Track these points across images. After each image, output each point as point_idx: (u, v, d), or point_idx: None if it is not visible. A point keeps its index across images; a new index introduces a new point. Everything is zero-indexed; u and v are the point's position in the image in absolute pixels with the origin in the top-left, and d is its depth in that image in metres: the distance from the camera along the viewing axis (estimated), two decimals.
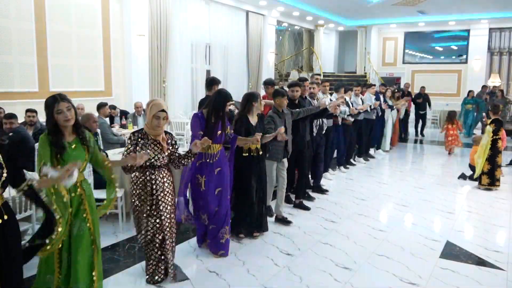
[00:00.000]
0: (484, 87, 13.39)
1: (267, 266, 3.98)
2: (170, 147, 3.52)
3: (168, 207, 3.51)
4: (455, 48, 16.35)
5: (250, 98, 4.44)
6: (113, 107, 8.06)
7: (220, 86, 5.93)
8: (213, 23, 11.17)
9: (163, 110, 3.34)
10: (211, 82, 5.79)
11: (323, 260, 4.14)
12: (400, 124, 11.15)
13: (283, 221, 5.14)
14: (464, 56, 15.65)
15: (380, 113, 9.13)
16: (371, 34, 16.66)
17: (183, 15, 10.13)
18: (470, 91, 13.10)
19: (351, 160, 8.52)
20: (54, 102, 2.75)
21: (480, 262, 4.14)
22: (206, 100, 5.82)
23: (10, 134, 5.28)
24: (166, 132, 3.52)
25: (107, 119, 7.37)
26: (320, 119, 6.31)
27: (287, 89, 5.69)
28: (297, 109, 5.34)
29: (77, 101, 7.69)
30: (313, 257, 4.21)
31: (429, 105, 12.87)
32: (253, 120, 4.46)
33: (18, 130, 5.38)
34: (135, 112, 8.29)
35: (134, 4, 8.83)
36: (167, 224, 3.49)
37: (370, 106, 8.48)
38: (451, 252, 4.37)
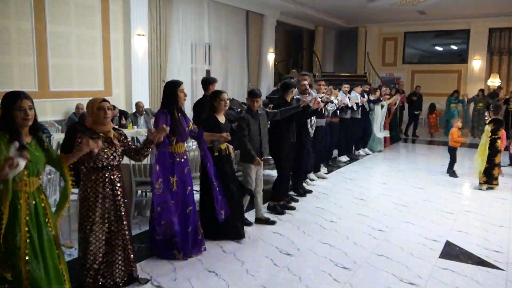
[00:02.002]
0: (480, 90, 13.33)
1: (267, 266, 3.98)
2: (122, 144, 3.38)
3: (124, 211, 3.38)
4: (455, 48, 16.34)
5: (211, 98, 4.45)
6: (113, 107, 8.06)
7: (218, 86, 5.96)
8: (213, 23, 11.17)
9: (104, 100, 3.26)
10: (207, 82, 5.83)
11: (323, 260, 4.13)
12: (394, 124, 11.17)
13: (266, 222, 5.05)
14: (464, 56, 15.64)
15: (367, 109, 9.27)
16: (371, 34, 16.64)
17: (182, 15, 10.12)
18: (455, 91, 13.32)
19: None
20: (16, 98, 2.56)
21: (480, 262, 4.14)
22: (202, 101, 5.86)
23: None
24: (114, 129, 3.39)
25: None
26: (313, 119, 6.23)
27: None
28: (274, 110, 5.24)
29: (76, 100, 7.73)
30: (312, 257, 4.21)
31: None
32: (222, 118, 4.43)
33: None
34: (136, 112, 8.29)
35: (134, 4, 8.82)
36: (126, 228, 3.38)
37: (357, 104, 8.58)
38: (451, 252, 4.37)
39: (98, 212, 3.23)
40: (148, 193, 5.33)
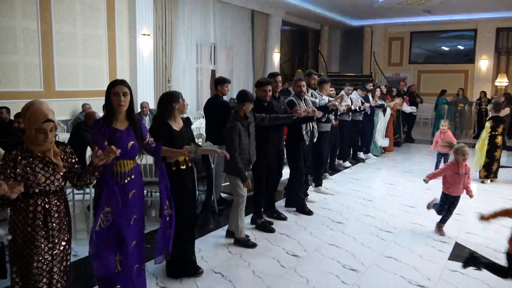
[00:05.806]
0: (461, 89, 13.06)
1: (273, 268, 3.94)
2: (67, 164, 2.60)
3: (63, 247, 2.62)
4: (462, 48, 16.24)
5: (168, 99, 3.53)
6: None
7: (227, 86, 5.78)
8: (218, 23, 11.15)
9: (48, 120, 2.45)
10: (220, 82, 5.61)
11: (330, 261, 4.09)
12: (397, 127, 10.81)
13: (244, 244, 4.38)
14: (471, 56, 15.53)
15: (369, 113, 8.60)
16: (376, 34, 16.57)
17: (188, 15, 10.11)
18: (443, 91, 12.79)
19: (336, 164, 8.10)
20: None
21: None
22: (214, 101, 5.68)
23: (19, 133, 5.31)
24: (58, 144, 2.58)
25: None
26: (310, 125, 5.35)
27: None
28: (262, 115, 4.52)
29: (82, 100, 7.74)
30: (319, 258, 4.17)
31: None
32: (177, 125, 3.55)
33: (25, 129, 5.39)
34: (141, 112, 8.26)
35: (139, 3, 8.81)
36: (57, 268, 2.59)
37: (359, 107, 8.07)
38: (460, 253, 4.31)
39: (26, 248, 2.48)
40: (153, 193, 5.31)
